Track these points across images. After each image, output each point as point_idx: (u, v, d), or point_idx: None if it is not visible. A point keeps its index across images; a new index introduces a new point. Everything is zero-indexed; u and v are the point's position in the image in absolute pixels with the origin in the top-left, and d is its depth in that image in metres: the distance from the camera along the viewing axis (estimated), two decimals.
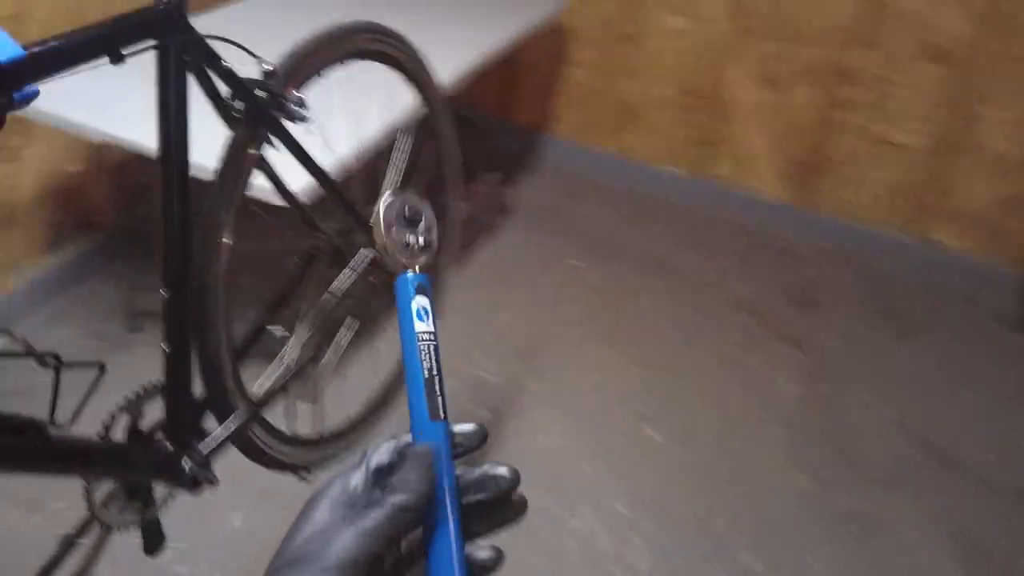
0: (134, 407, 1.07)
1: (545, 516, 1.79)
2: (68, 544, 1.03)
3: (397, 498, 0.41)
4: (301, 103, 1.07)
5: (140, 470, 1.01)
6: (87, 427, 0.94)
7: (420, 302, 0.46)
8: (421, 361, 0.45)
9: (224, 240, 1.04)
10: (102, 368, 0.91)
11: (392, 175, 1.42)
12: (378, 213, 0.48)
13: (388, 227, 0.48)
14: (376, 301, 1.35)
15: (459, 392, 2.08)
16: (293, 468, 1.30)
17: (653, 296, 2.56)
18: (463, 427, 0.46)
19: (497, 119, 3.21)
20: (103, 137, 1.56)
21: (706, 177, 2.99)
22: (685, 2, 2.76)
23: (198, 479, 1.05)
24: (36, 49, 0.77)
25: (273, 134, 1.08)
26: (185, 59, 0.94)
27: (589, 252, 2.72)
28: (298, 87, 1.10)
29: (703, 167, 2.98)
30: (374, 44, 1.26)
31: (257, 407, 1.17)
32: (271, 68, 1.02)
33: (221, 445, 1.10)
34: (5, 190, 1.97)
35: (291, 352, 1.27)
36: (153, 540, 1.13)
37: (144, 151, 1.36)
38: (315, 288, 1.28)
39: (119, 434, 1.03)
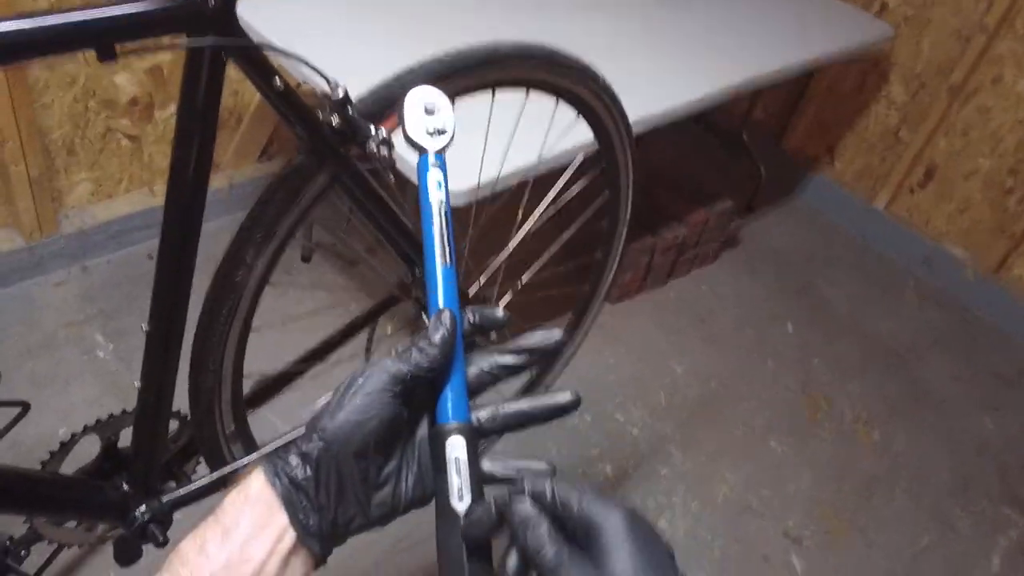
0: (108, 428, 0.93)
1: None
2: None
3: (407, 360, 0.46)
4: (387, 144, 0.82)
5: (75, 509, 0.87)
6: None
7: (435, 175, 0.52)
8: (437, 224, 0.50)
9: (243, 280, 0.84)
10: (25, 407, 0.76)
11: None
12: (403, 104, 0.53)
13: (412, 115, 0.53)
14: None
15: (588, 433, 1.81)
16: None
17: (868, 402, 2.06)
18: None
19: (767, 138, 2.74)
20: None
21: (1002, 279, 2.36)
22: None
23: (145, 534, 0.90)
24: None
25: (342, 174, 0.84)
26: (222, 65, 0.72)
27: (811, 323, 2.25)
28: (395, 122, 0.84)
29: (1003, 266, 2.34)
30: (532, 74, 0.96)
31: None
32: (343, 95, 0.77)
33: (197, 496, 0.94)
34: (229, 94, 1.95)
35: None
36: (127, 553, 1.01)
37: None
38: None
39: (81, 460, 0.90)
